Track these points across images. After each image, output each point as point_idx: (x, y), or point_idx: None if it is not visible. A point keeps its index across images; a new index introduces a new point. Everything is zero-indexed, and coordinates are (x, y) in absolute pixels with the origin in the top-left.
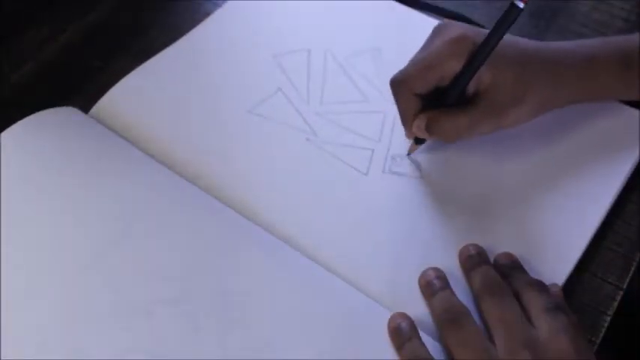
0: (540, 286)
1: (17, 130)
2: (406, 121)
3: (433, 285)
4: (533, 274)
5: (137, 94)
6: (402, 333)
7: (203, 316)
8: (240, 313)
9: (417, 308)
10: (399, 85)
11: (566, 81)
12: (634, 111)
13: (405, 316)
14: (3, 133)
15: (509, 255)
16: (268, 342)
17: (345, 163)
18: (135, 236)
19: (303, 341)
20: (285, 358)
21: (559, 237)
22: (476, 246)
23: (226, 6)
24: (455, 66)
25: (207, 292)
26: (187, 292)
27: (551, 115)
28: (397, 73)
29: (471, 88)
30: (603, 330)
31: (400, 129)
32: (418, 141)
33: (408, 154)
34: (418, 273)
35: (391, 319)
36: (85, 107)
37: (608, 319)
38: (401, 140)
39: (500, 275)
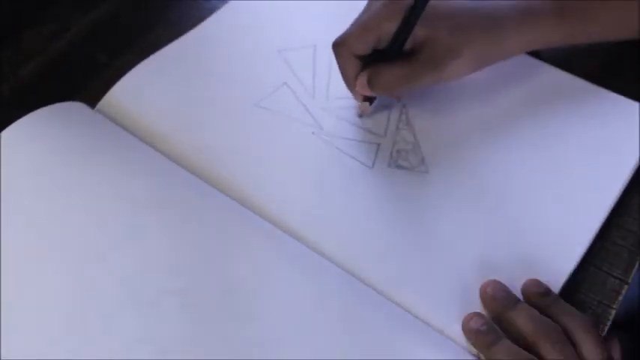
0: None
1: (24, 123)
2: (349, 81)
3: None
4: (538, 269)
5: (142, 88)
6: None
7: (209, 306)
8: (246, 304)
9: (424, 301)
10: (339, 46)
11: (505, 33)
12: (635, 104)
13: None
14: (10, 127)
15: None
16: (273, 332)
17: (350, 157)
18: (143, 229)
19: (307, 332)
20: (289, 348)
21: (564, 231)
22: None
23: (231, 3)
24: (391, 27)
25: (213, 283)
26: (194, 283)
27: (554, 111)
28: (338, 36)
29: (408, 45)
30: (609, 323)
31: (406, 123)
32: (366, 99)
33: (360, 117)
34: (422, 265)
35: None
36: (91, 104)
37: (613, 312)
38: (407, 135)
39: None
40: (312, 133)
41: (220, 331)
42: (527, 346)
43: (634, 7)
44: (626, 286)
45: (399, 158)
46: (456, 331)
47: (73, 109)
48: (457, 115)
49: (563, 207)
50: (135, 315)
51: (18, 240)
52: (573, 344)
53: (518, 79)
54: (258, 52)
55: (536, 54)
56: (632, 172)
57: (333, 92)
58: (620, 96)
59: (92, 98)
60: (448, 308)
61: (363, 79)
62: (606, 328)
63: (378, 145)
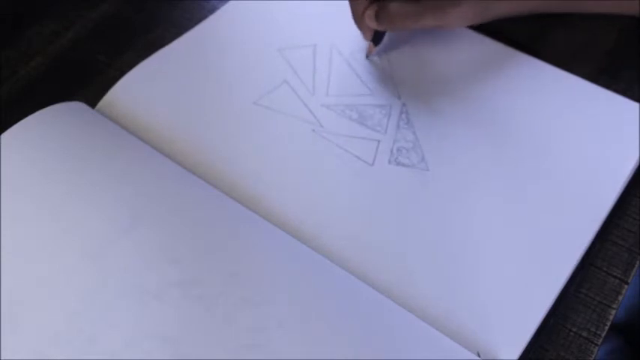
0: None
1: (24, 126)
2: (357, 16)
3: None
4: (538, 268)
5: (142, 88)
6: None
7: (213, 297)
8: (249, 294)
9: (422, 297)
10: None
11: None
12: (635, 104)
13: None
14: (10, 129)
15: None
16: (274, 324)
17: (350, 154)
18: (144, 225)
19: (307, 326)
20: (290, 338)
21: (564, 231)
22: None
23: (231, 3)
24: None
25: (215, 275)
26: (196, 275)
27: (554, 111)
28: None
29: None
30: (609, 323)
31: (406, 122)
32: (374, 40)
33: (367, 57)
34: (423, 263)
35: None
36: (91, 103)
37: (613, 312)
38: (407, 133)
39: None
40: (313, 130)
41: (224, 320)
42: None
43: None
44: (626, 286)
45: (399, 155)
46: (456, 329)
47: (73, 109)
48: (457, 114)
49: (563, 207)
50: (139, 308)
51: (18, 238)
52: None
53: (518, 78)
54: (258, 50)
55: (536, 54)
56: (632, 172)
57: (333, 90)
58: (620, 96)
59: (92, 98)
60: (447, 305)
61: (371, 11)
62: (606, 328)
63: (379, 142)
